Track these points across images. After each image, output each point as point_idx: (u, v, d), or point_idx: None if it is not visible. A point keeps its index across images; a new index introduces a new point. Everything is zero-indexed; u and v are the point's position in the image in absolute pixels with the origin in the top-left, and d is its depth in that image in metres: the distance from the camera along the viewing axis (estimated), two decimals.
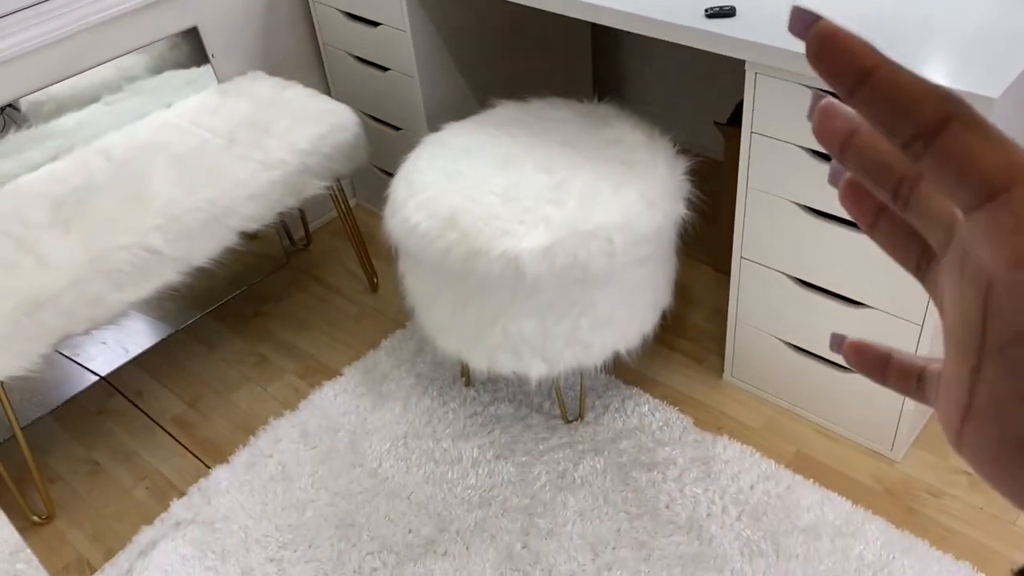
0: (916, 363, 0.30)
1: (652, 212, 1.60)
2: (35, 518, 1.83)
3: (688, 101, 2.61)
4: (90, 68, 2.03)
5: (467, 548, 1.66)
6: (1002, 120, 1.34)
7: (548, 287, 1.58)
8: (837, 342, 0.34)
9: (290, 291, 2.37)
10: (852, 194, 0.28)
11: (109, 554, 1.74)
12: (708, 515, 1.67)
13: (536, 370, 1.69)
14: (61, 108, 2.08)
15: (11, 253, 1.68)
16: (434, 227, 1.59)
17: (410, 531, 1.70)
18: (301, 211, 2.49)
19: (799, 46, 1.44)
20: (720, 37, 1.51)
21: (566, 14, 1.77)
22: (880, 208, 0.28)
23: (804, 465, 1.76)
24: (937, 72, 1.34)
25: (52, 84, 1.98)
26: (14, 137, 2.00)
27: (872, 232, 0.29)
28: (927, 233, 0.26)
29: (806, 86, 1.47)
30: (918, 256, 0.28)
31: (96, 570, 1.71)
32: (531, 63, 2.42)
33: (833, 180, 0.29)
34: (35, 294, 1.61)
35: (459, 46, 2.20)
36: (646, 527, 1.66)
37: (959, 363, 0.24)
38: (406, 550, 1.67)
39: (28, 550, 1.66)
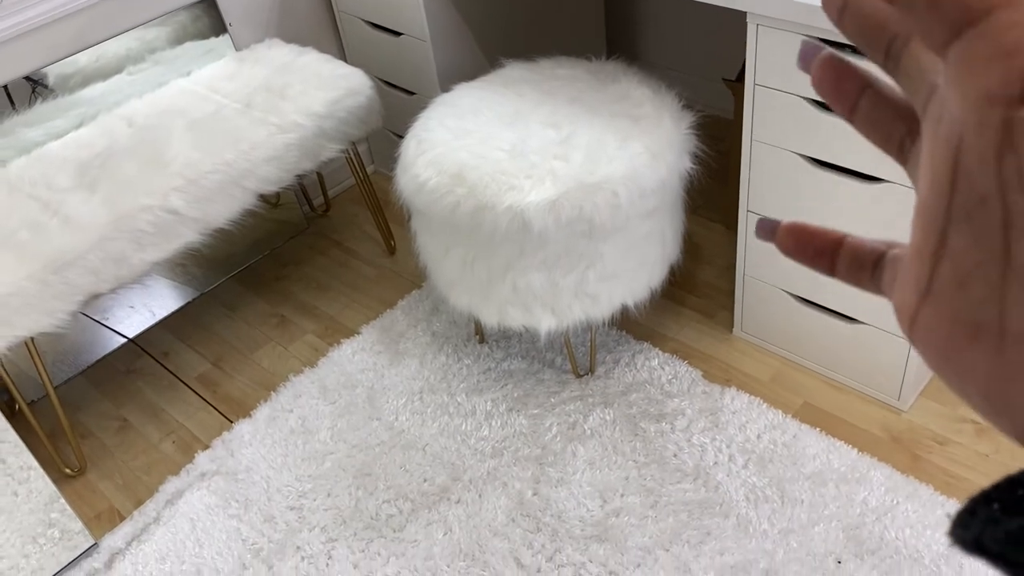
0: (875, 248, 0.28)
1: (657, 165, 1.62)
2: (68, 471, 1.91)
3: (702, 60, 2.61)
4: (112, 36, 2.08)
5: (479, 496, 1.71)
6: None
7: (554, 240, 1.61)
8: (767, 228, 0.30)
9: (310, 255, 2.43)
10: (831, 74, 0.27)
11: (138, 503, 1.82)
12: (715, 463, 1.70)
13: (545, 323, 1.72)
14: (87, 80, 2.14)
15: (38, 215, 1.75)
16: (443, 183, 1.63)
17: (425, 480, 1.76)
18: (320, 177, 2.54)
19: None
20: None
21: None
22: (860, 88, 0.26)
23: (811, 415, 1.78)
24: None
25: (76, 53, 2.04)
26: (41, 107, 2.07)
27: (852, 116, 0.27)
28: (915, 95, 0.24)
29: (807, 36, 1.48)
30: (902, 135, 0.26)
31: (126, 518, 1.78)
32: (544, 25, 2.44)
33: (804, 63, 0.27)
34: (62, 254, 1.68)
35: (471, 9, 2.23)
36: (654, 475, 1.70)
37: (924, 237, 0.23)
38: (421, 498, 1.72)
39: (62, 500, 1.74)
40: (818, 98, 1.53)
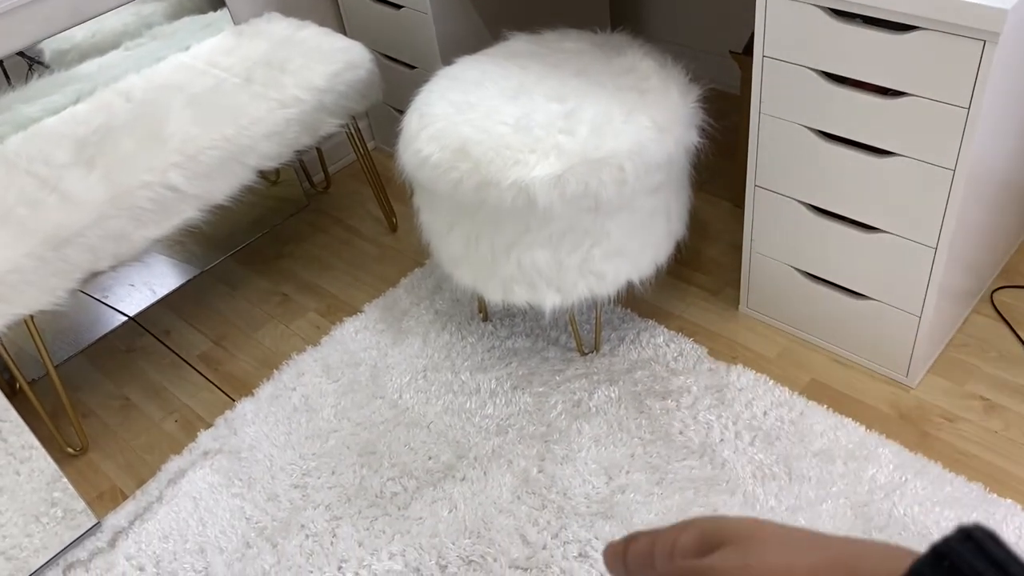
0: None
1: (663, 139, 1.60)
2: (70, 450, 1.90)
3: (707, 34, 2.57)
4: (109, 10, 2.05)
5: (484, 473, 1.70)
6: (1015, 31, 1.32)
7: (560, 216, 1.59)
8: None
9: (311, 233, 2.41)
10: None
11: (140, 482, 1.81)
12: (721, 440, 1.69)
13: (550, 300, 1.70)
14: (83, 56, 2.11)
15: (36, 191, 1.73)
16: (445, 158, 1.61)
17: (430, 458, 1.75)
18: (320, 153, 2.51)
19: None
20: None
21: None
22: None
23: (818, 392, 1.77)
24: None
25: (71, 26, 2.01)
26: (37, 83, 2.04)
27: None
28: None
29: (818, 7, 1.45)
30: None
31: (128, 497, 1.78)
32: None
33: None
34: (60, 230, 1.65)
35: None
36: (660, 452, 1.68)
37: None
38: (426, 475, 1.71)
39: (64, 479, 1.73)
40: (829, 71, 1.50)
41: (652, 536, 0.36)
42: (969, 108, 1.38)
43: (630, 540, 0.37)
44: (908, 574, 0.24)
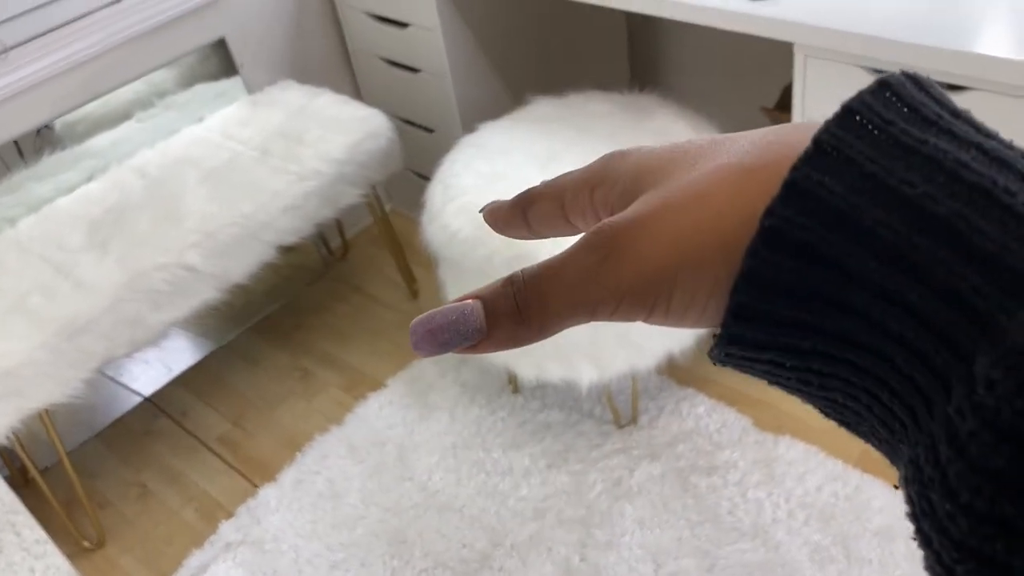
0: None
1: None
2: (86, 543, 1.81)
3: (729, 88, 2.52)
4: (121, 85, 2.01)
5: (523, 563, 1.60)
6: None
7: None
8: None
9: (329, 302, 2.34)
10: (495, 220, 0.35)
11: None
12: (774, 520, 1.60)
13: (587, 376, 1.63)
14: (94, 127, 2.06)
15: (50, 278, 1.66)
16: (475, 233, 1.54)
17: (464, 546, 1.65)
18: (337, 220, 2.45)
19: (850, 26, 1.36)
20: (766, 20, 1.44)
21: (598, 3, 1.70)
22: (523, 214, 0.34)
23: (873, 463, 1.67)
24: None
25: (84, 104, 1.96)
26: (49, 160, 1.99)
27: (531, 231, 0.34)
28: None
29: (861, 67, 1.39)
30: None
31: None
32: (565, 55, 2.36)
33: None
34: (75, 319, 1.59)
35: (491, 42, 2.14)
36: (709, 535, 1.59)
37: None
38: (461, 566, 1.62)
39: None
40: None
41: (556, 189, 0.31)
42: None
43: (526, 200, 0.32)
44: (817, 135, 0.22)
